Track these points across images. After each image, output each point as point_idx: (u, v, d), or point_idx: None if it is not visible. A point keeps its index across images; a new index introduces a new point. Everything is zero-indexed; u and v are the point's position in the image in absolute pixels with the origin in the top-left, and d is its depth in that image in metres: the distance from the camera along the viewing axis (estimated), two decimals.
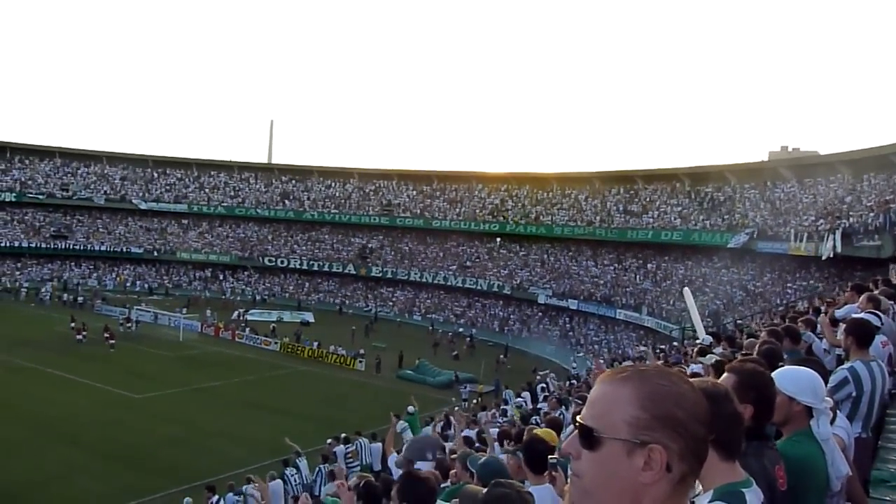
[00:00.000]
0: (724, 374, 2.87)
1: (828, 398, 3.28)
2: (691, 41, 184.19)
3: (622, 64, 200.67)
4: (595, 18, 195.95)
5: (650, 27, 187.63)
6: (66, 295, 62.12)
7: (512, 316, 61.39)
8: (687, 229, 52.80)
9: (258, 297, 69.53)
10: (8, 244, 69.48)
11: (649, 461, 1.26)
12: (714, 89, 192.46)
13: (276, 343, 47.13)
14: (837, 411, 3.95)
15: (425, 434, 10.97)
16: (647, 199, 59.47)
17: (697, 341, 14.31)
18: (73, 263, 71.89)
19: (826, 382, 3.79)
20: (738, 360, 3.75)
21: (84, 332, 43.08)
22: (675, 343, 33.57)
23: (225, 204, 78.48)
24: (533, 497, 3.02)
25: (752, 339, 8.55)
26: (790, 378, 3.07)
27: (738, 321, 33.61)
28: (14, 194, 73.08)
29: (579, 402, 13.05)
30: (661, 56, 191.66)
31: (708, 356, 9.42)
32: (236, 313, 57.64)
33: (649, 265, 55.80)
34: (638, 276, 55.56)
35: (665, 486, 1.27)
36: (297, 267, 72.99)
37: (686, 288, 17.24)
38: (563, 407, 13.88)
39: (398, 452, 9.81)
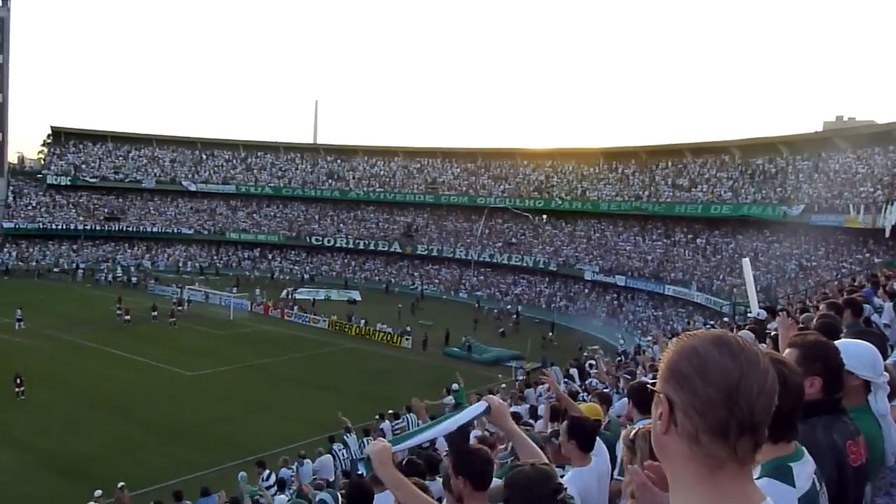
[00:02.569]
0: (787, 350, 2.73)
1: (885, 372, 3.14)
2: (741, 8, 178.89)
3: (670, 35, 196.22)
4: None
5: None
6: (120, 275, 63.87)
7: (558, 293, 60.98)
8: (737, 203, 51.59)
9: (306, 276, 70.42)
10: (64, 226, 71.54)
11: (662, 410, 1.35)
12: (767, 59, 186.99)
13: (323, 321, 47.70)
14: None
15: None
16: (696, 173, 58.23)
17: (750, 315, 13.95)
18: (126, 245, 73.75)
19: (885, 356, 3.62)
20: (798, 333, 3.59)
21: (128, 314, 44.04)
22: (725, 319, 32.97)
23: (272, 184, 79.49)
24: (553, 470, 2.91)
25: (808, 314, 8.27)
26: (848, 351, 2.91)
27: (792, 296, 32.78)
28: (69, 178, 75.20)
29: (628, 377, 12.88)
30: (711, 25, 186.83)
31: (742, 331, 9.17)
32: (285, 292, 58.52)
33: (699, 240, 54.75)
34: (687, 252, 54.57)
35: (680, 444, 1.31)
36: (344, 246, 73.63)
37: (746, 258, 16.79)
38: (617, 382, 13.73)
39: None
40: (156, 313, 45.03)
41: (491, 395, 4.22)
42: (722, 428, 1.27)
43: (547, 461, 3.13)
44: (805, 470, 1.93)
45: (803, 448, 1.99)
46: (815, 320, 5.41)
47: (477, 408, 3.38)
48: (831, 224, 42.27)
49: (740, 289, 39.57)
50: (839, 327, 4.97)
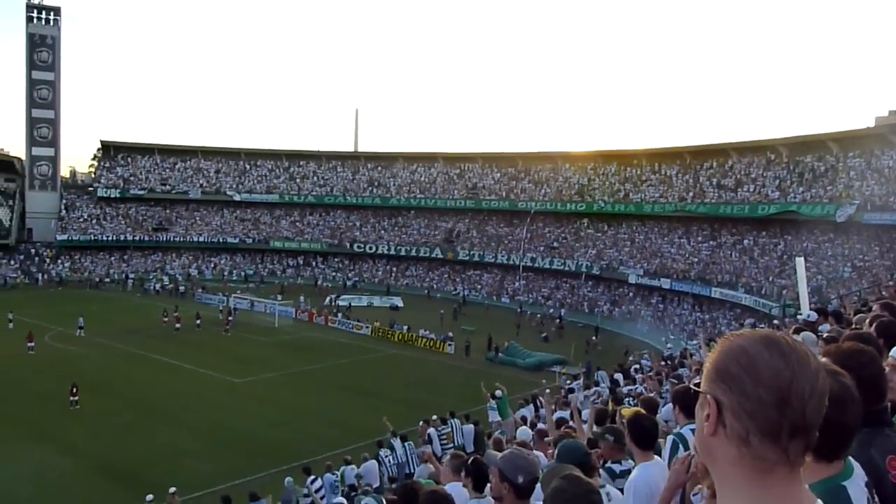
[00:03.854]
0: (821, 360, 2.56)
1: None
2: (787, 2, 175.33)
3: (714, 32, 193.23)
4: None
5: None
6: (168, 284, 65.28)
7: (602, 297, 60.35)
8: (785, 202, 50.40)
9: (349, 283, 70.98)
10: (114, 237, 73.46)
11: (709, 411, 1.31)
12: (815, 54, 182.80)
13: (367, 327, 47.98)
14: None
15: (524, 435, 10.75)
16: (742, 172, 57.11)
17: (801, 317, 13.59)
18: (173, 254, 75.37)
19: None
20: (846, 336, 3.46)
21: (178, 323, 45.15)
22: (775, 322, 32.22)
23: (314, 193, 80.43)
24: (596, 491, 2.84)
25: (861, 315, 8.02)
26: None
27: (844, 296, 31.90)
28: (118, 190, 77.23)
29: (674, 381, 12.68)
30: (754, 21, 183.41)
31: (802, 333, 8.92)
32: (328, 299, 59.08)
33: (745, 241, 53.63)
34: (734, 253, 53.49)
35: (729, 447, 1.28)
36: (386, 252, 74.09)
37: (800, 257, 16.34)
38: (661, 387, 13.52)
39: (498, 450, 9.79)
40: (199, 321, 45.96)
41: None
42: (773, 430, 1.24)
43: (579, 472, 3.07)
44: (859, 486, 1.83)
45: (852, 461, 1.89)
46: (868, 320, 5.23)
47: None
48: (885, 223, 41.05)
49: (790, 290, 38.65)
50: None
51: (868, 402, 2.38)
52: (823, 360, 2.49)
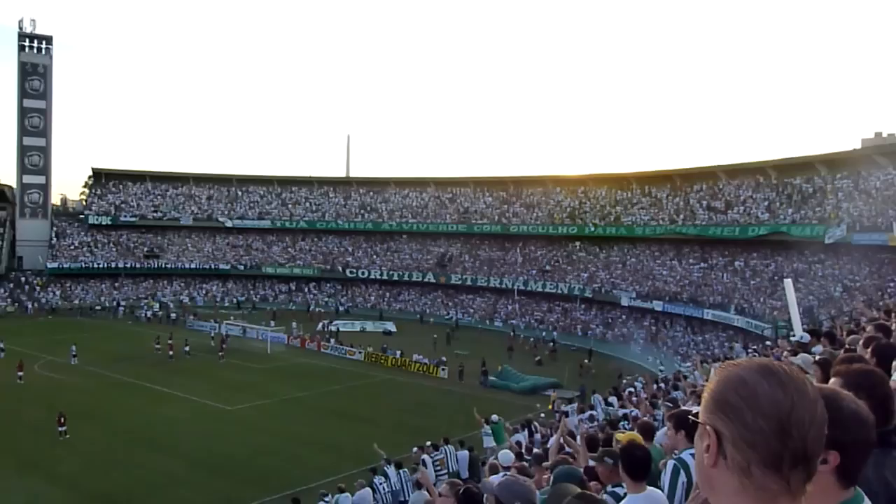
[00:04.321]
0: (832, 380, 2.56)
1: None
2: (773, 26, 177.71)
3: (699, 55, 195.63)
4: (667, 8, 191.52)
5: (728, 12, 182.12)
6: (159, 312, 64.89)
7: (595, 319, 60.33)
8: (775, 224, 50.74)
9: (341, 308, 70.76)
10: (105, 265, 73.10)
11: (709, 442, 1.31)
12: (800, 77, 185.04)
13: (359, 353, 47.77)
14: None
15: (504, 459, 10.65)
16: (732, 195, 57.53)
17: (794, 338, 13.63)
18: (165, 281, 74.98)
19: None
20: (840, 358, 3.45)
21: (170, 350, 44.97)
22: (767, 343, 32.24)
23: (306, 218, 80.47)
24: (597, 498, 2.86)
25: (854, 336, 8.04)
26: None
27: (836, 317, 31.99)
28: (109, 217, 77.04)
29: (669, 405, 12.64)
30: (741, 44, 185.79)
31: (800, 355, 8.93)
32: (321, 324, 58.86)
33: (737, 263, 53.87)
34: (725, 275, 53.70)
35: (730, 477, 1.27)
36: (378, 277, 74.01)
37: (788, 279, 16.48)
38: (655, 410, 13.47)
39: (491, 473, 9.72)
40: (188, 348, 45.62)
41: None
42: (775, 460, 1.24)
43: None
44: None
45: (861, 493, 1.88)
46: (861, 342, 5.24)
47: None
48: (874, 243, 41.31)
49: (781, 311, 38.77)
50: (893, 349, 4.77)
51: (879, 423, 2.41)
52: (833, 380, 2.50)
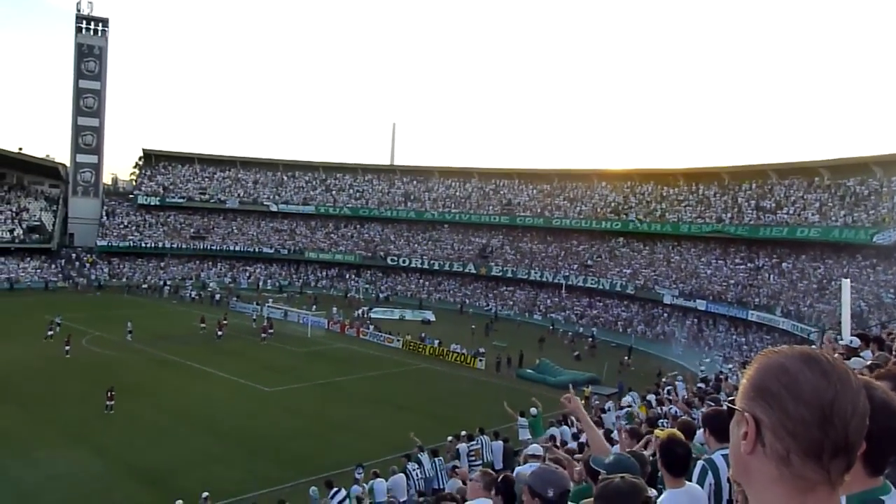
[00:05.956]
0: (880, 383, 2.50)
1: None
2: (829, 21, 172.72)
3: (755, 49, 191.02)
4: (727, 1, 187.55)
5: (784, 8, 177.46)
6: (204, 292, 66.14)
7: (636, 317, 59.66)
8: (826, 226, 49.48)
9: (381, 296, 71.23)
10: (153, 245, 74.81)
11: (747, 429, 1.27)
12: (857, 75, 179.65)
13: (398, 340, 48.05)
14: None
15: (532, 450, 10.61)
16: (782, 195, 56.22)
17: (842, 342, 13.24)
18: (210, 263, 76.38)
19: None
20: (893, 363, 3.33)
21: (220, 330, 45.82)
22: (813, 346, 31.49)
23: (350, 205, 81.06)
24: (642, 483, 2.83)
25: None
26: None
27: (886, 323, 31.10)
28: (158, 198, 78.70)
29: (711, 404, 12.42)
30: (797, 39, 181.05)
31: (852, 359, 8.66)
32: (361, 311, 59.31)
33: (784, 264, 52.69)
34: (772, 276, 52.56)
35: (767, 466, 1.25)
36: (419, 266, 74.25)
37: (846, 280, 16.09)
38: (691, 409, 13.25)
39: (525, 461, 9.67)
40: (221, 333, 45.74)
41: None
42: (815, 449, 1.21)
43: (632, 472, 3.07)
44: None
45: (890, 484, 1.84)
46: None
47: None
48: None
49: (829, 315, 37.84)
50: None
51: None
52: (881, 383, 2.42)
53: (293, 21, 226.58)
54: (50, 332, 42.06)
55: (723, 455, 4.53)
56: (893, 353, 7.57)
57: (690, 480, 4.78)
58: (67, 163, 77.97)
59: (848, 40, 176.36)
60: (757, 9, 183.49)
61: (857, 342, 12.42)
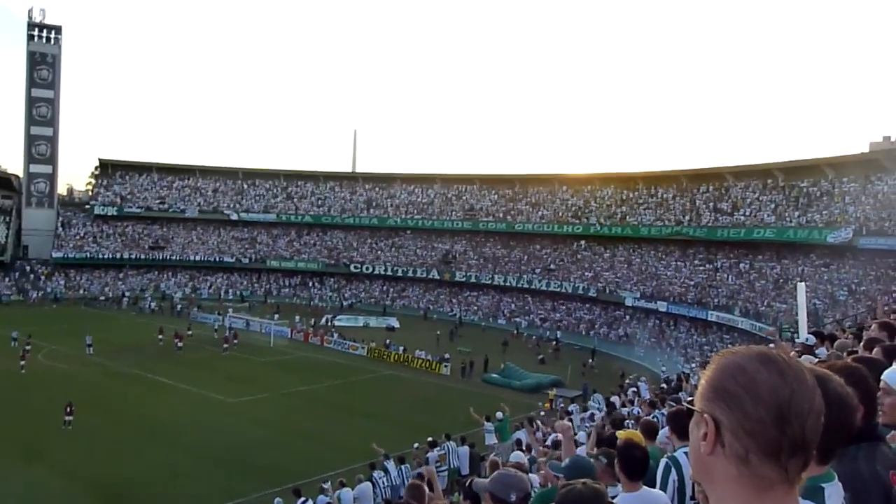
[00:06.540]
0: None
1: None
2: (782, 28, 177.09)
3: (708, 55, 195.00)
4: (676, 8, 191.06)
5: (737, 13, 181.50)
6: (163, 303, 65.03)
7: (599, 319, 60.25)
8: (781, 226, 50.59)
9: (345, 303, 70.82)
10: (110, 256, 73.35)
11: (706, 430, 1.29)
12: (810, 79, 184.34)
13: (362, 348, 47.83)
14: None
15: (515, 458, 10.71)
16: (738, 196, 57.34)
17: (798, 340, 13.58)
18: (169, 273, 75.12)
19: None
20: (841, 359, 3.44)
21: (181, 341, 45.02)
22: (771, 345, 32.14)
23: (312, 213, 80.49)
24: (604, 489, 2.87)
25: (842, 341, 8.00)
26: None
27: (840, 321, 31.87)
28: (115, 208, 77.27)
29: (673, 405, 12.60)
30: (750, 44, 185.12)
31: (803, 357, 8.87)
32: (324, 319, 58.91)
33: (742, 265, 53.73)
34: (730, 277, 53.55)
35: (727, 466, 1.26)
36: (382, 273, 74.02)
37: (802, 283, 16.55)
38: (656, 410, 13.44)
39: (492, 469, 9.68)
40: (181, 344, 45.00)
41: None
42: (774, 448, 1.23)
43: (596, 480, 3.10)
44: (836, 491, 1.85)
45: (833, 472, 1.90)
46: (864, 342, 5.20)
47: None
48: (881, 247, 41.16)
49: (786, 314, 38.67)
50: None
51: (869, 417, 2.46)
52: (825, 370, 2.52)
53: (252, 28, 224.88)
54: (28, 347, 39.42)
55: (685, 452, 4.60)
56: (846, 350, 7.75)
57: (653, 480, 4.85)
58: (20, 173, 76.07)
59: (800, 45, 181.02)
60: (708, 16, 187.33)
61: (812, 340, 12.77)
